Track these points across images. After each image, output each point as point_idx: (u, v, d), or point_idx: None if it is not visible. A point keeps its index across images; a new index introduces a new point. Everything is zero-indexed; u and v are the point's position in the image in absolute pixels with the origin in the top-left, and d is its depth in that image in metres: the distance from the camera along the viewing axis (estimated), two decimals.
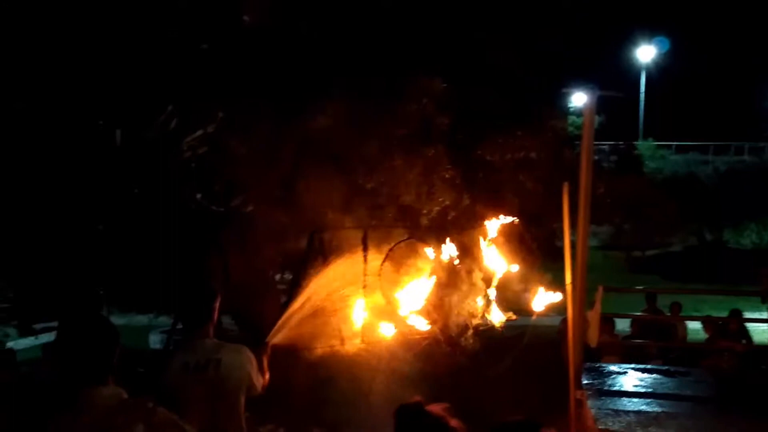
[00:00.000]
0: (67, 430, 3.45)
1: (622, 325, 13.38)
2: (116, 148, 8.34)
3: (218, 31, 8.80)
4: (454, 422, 4.21)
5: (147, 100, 8.37)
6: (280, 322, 6.71)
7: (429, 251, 8.17)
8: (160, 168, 8.51)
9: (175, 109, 8.40)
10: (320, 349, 8.08)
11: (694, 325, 14.22)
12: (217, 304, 5.81)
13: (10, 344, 14.06)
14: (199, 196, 8.85)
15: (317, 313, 7.27)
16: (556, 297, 7.76)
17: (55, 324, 3.81)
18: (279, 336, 6.58)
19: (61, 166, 8.30)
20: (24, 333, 13.82)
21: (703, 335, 12.98)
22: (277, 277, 11.27)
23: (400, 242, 8.22)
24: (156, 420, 3.63)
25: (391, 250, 8.00)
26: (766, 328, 13.48)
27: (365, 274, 7.89)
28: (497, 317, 8.24)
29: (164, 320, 14.43)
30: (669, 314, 13.70)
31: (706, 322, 13.07)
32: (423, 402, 4.40)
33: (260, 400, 5.96)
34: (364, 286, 7.83)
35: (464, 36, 11.48)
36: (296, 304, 6.99)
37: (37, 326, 13.11)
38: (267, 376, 6.06)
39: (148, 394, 4.73)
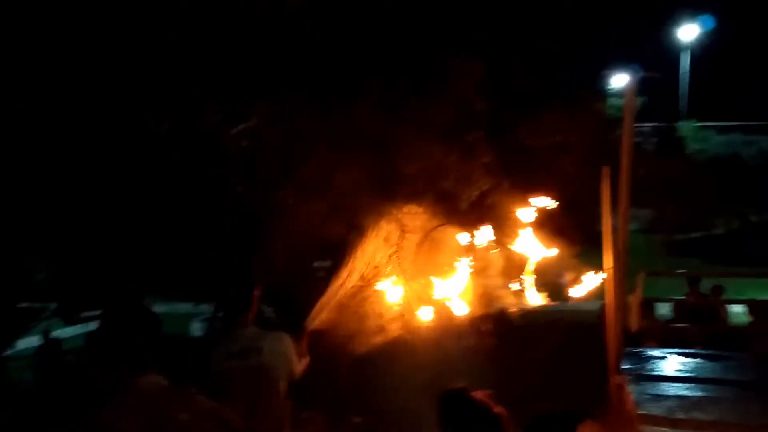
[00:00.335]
0: (111, 418, 3.49)
1: (663, 309, 13.24)
2: (161, 140, 8.43)
3: (261, 24, 8.82)
4: (497, 409, 4.22)
5: (192, 94, 8.44)
6: (317, 307, 6.79)
7: (466, 236, 8.16)
8: (204, 160, 8.58)
9: (218, 103, 8.45)
10: (360, 334, 8.12)
11: (737, 309, 14.02)
12: (258, 294, 5.91)
13: (56, 333, 14.30)
14: (240, 188, 8.91)
15: (354, 297, 7.30)
16: (596, 281, 7.72)
17: (99, 313, 3.86)
18: (317, 321, 6.66)
19: (107, 157, 8.41)
20: (70, 322, 14.03)
21: (746, 319, 12.80)
22: (316, 264, 11.32)
23: (436, 227, 8.22)
24: (200, 408, 3.67)
25: (427, 235, 8.01)
26: None
27: (400, 259, 7.92)
28: (535, 302, 8.21)
29: (205, 308, 14.58)
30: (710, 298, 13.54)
31: (750, 305, 12.84)
32: (467, 388, 4.40)
33: (301, 386, 6.02)
34: (401, 271, 7.85)
35: (503, 18, 11.40)
36: (332, 289, 7.05)
37: (84, 315, 13.29)
38: (306, 360, 6.16)
39: (191, 381, 4.80)
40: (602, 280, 7.58)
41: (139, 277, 8.96)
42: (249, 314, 5.89)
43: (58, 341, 13.23)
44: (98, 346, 3.68)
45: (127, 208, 8.55)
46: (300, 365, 6.08)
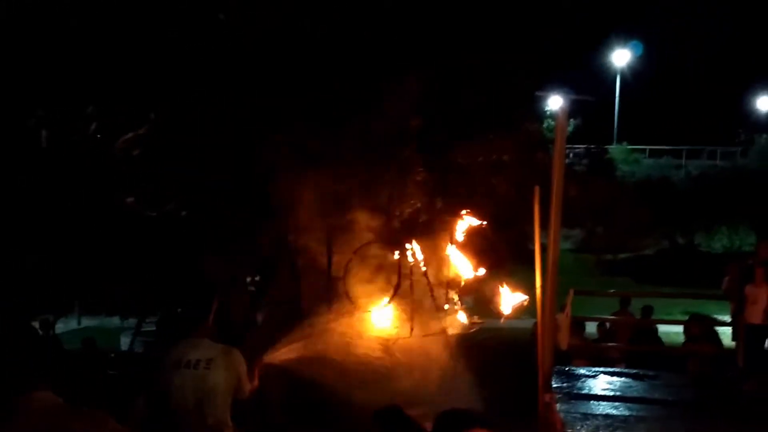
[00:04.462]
0: None
1: (592, 328, 13.43)
2: (39, 148, 8.09)
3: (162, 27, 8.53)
4: (429, 426, 4.21)
5: (75, 101, 8.09)
6: (279, 345, 6.78)
7: (396, 254, 8.17)
8: (90, 169, 8.25)
9: (97, 110, 8.14)
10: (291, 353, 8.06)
11: (664, 329, 14.28)
12: (215, 306, 5.86)
13: None
14: (130, 199, 8.60)
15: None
16: (523, 299, 7.78)
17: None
18: (276, 358, 6.64)
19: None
20: None
21: (673, 339, 13.05)
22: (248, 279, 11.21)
23: (364, 245, 8.21)
24: (99, 424, 3.57)
25: (355, 252, 7.99)
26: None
27: (331, 276, 7.87)
28: (464, 320, 8.23)
29: (133, 322, 14.33)
30: (640, 318, 13.76)
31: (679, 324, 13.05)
32: (400, 406, 4.40)
33: (237, 409, 5.96)
34: (330, 290, 7.81)
35: (440, 38, 11.46)
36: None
37: None
38: (255, 383, 6.12)
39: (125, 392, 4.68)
40: (534, 299, 7.65)
41: (30, 292, 8.60)
42: (204, 326, 5.85)
43: None
44: None
45: (50, 224, 8.25)
46: (249, 384, 6.03)
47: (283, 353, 6.79)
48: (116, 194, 8.42)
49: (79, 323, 21.24)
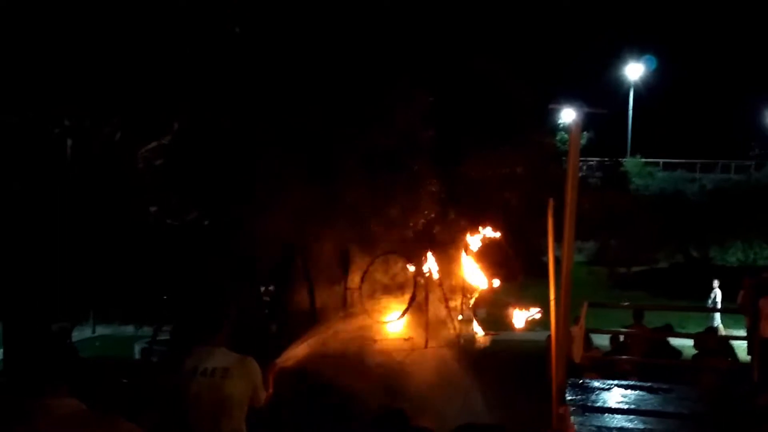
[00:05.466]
0: None
1: (605, 341, 13.39)
2: (62, 156, 8.13)
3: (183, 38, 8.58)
4: None
5: (99, 109, 8.12)
6: (292, 348, 6.79)
7: (410, 266, 8.19)
8: (112, 178, 8.30)
9: (121, 119, 8.17)
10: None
11: (678, 342, 14.21)
12: (231, 315, 5.89)
13: None
14: (153, 209, 8.65)
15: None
16: (536, 313, 7.78)
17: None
18: (290, 360, 6.65)
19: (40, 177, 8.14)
20: None
21: (687, 353, 12.99)
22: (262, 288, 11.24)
23: (379, 256, 8.24)
24: (118, 429, 3.60)
25: (371, 264, 8.01)
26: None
27: (346, 287, 7.89)
28: (478, 332, 8.25)
29: (149, 330, 14.36)
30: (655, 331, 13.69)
31: (695, 339, 12.99)
32: (405, 410, 4.41)
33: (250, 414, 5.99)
34: (345, 300, 7.83)
35: (452, 50, 11.49)
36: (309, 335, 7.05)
37: None
38: (270, 391, 6.14)
39: (140, 401, 4.70)
40: (547, 311, 7.65)
41: (48, 299, 8.61)
42: (221, 335, 5.87)
43: None
44: (6, 370, 3.60)
45: (66, 231, 8.29)
46: (264, 393, 6.06)
47: (297, 354, 6.80)
48: (138, 203, 8.46)
49: (93, 331, 21.31)
